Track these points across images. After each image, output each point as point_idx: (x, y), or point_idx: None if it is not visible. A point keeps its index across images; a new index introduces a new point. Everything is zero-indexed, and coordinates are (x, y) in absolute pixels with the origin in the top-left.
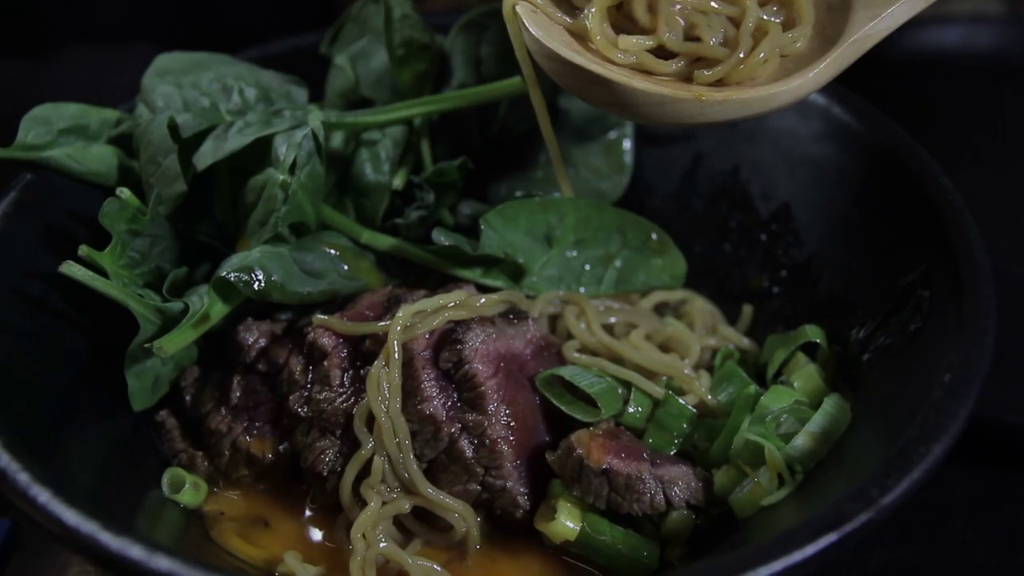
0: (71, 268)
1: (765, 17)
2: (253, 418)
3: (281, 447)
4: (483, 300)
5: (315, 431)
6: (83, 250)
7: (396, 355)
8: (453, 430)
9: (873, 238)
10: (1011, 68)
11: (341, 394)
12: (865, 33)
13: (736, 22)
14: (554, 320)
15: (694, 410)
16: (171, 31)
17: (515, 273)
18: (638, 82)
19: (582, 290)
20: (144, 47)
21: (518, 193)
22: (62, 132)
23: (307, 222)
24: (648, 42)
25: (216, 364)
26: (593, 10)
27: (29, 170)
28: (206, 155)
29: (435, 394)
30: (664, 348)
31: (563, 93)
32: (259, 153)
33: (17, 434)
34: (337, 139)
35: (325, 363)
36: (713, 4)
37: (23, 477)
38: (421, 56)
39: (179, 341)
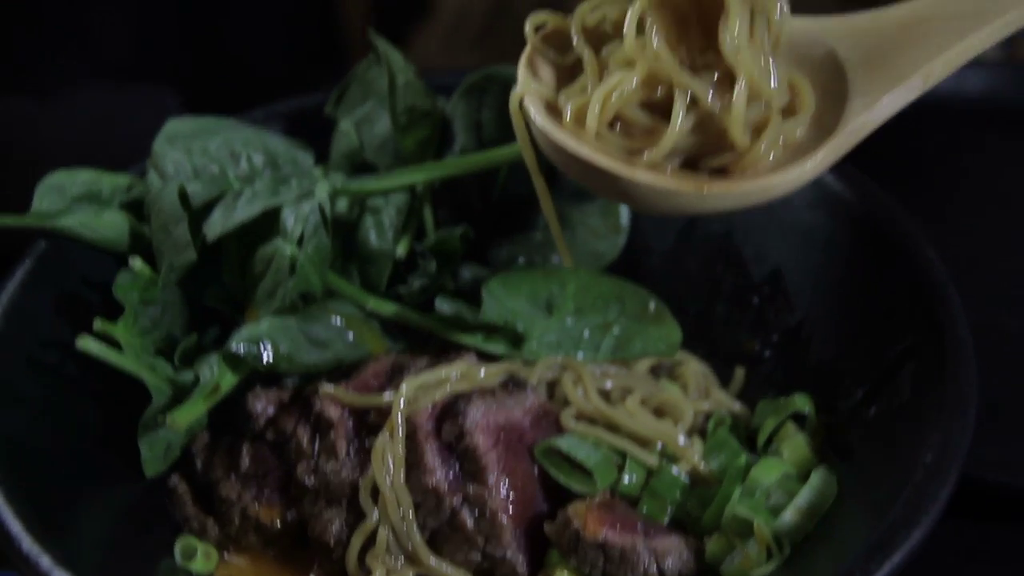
0: (86, 343)
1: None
2: (262, 486)
3: (289, 515)
4: (483, 372)
5: (322, 501)
6: (98, 324)
7: (400, 429)
8: (455, 502)
9: (861, 308)
10: (1005, 113)
11: (347, 465)
12: (861, 122)
13: None
14: (553, 386)
15: (686, 480)
16: (177, 69)
17: (515, 339)
18: (641, 176)
19: (580, 355)
20: (151, 86)
21: (520, 259)
22: (75, 199)
23: (314, 291)
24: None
25: (226, 428)
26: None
27: (44, 237)
28: (215, 225)
29: (437, 466)
30: (659, 412)
31: None
32: (267, 222)
33: (35, 513)
34: (342, 203)
35: (331, 434)
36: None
37: (45, 561)
38: (423, 123)
39: (191, 414)
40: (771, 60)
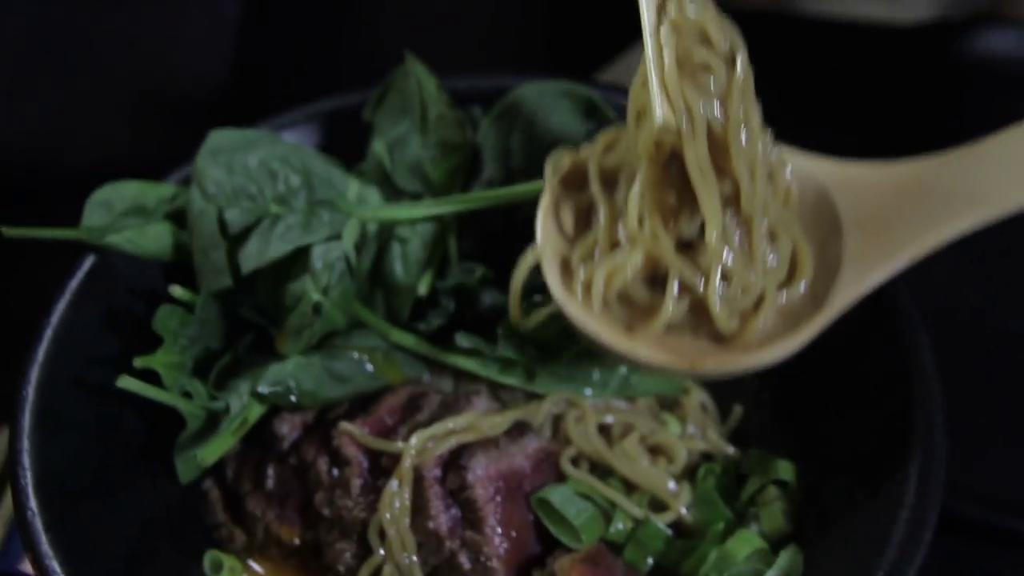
0: (126, 381)
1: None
2: (284, 506)
3: (307, 535)
4: (488, 423)
5: (335, 531)
6: (137, 362)
7: (408, 479)
8: (454, 545)
9: (849, 379)
10: None
11: (359, 503)
12: (848, 295)
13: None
14: (559, 420)
15: (669, 532)
16: None
17: (529, 373)
18: (640, 350)
19: (588, 391)
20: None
21: (536, 295)
22: (122, 214)
23: (338, 328)
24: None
25: (254, 438)
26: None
27: (92, 251)
28: (250, 258)
29: (440, 512)
30: (655, 451)
31: None
32: (298, 257)
33: (64, 531)
34: (372, 226)
35: (347, 471)
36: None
37: None
38: (454, 154)
39: (219, 449)
40: (766, 243)
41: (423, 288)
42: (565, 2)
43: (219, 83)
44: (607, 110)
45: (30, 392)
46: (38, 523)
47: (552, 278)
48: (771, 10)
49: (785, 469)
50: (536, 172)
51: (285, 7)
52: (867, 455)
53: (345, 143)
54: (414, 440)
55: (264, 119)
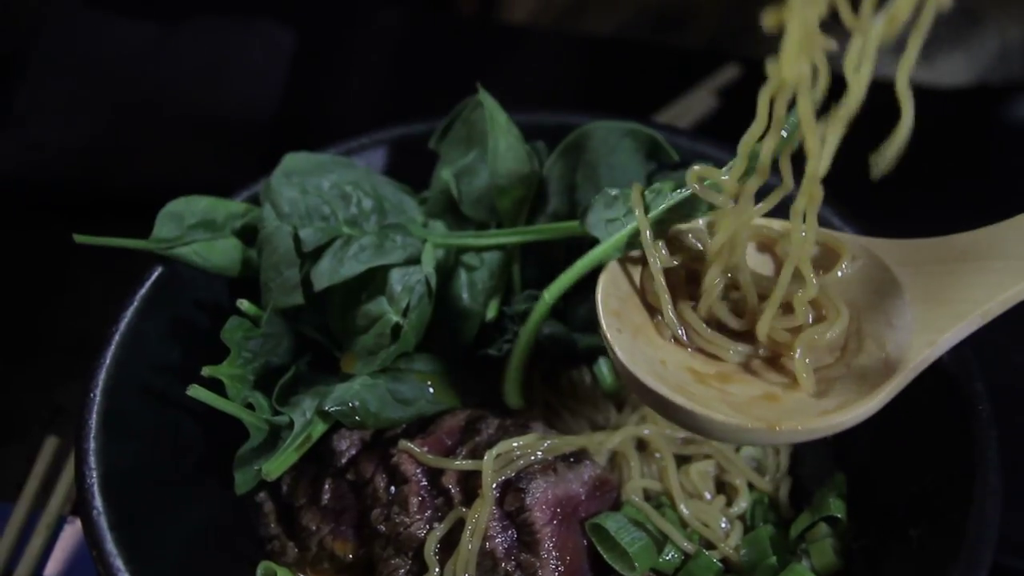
0: (197, 391)
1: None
2: (339, 521)
3: (361, 551)
4: (547, 444)
5: (391, 548)
6: (206, 371)
7: (490, 498)
8: (508, 567)
9: (903, 421)
10: None
11: (416, 520)
12: (923, 359)
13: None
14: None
15: (720, 566)
16: (293, 6)
17: None
18: (717, 414)
19: None
20: (266, 23)
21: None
22: (191, 227)
23: (408, 351)
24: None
25: (310, 454)
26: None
27: (160, 263)
28: (322, 277)
29: (497, 533)
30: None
31: None
32: (371, 278)
33: (127, 531)
34: (439, 252)
35: (405, 488)
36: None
37: None
38: (521, 186)
39: (283, 464)
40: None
41: (491, 313)
42: (619, 50)
43: (272, 110)
44: (670, 151)
45: (98, 394)
46: (103, 522)
47: (616, 342)
48: None
49: (836, 506)
50: None
51: (338, 41)
52: (920, 492)
53: (407, 171)
54: (488, 457)
55: (330, 144)
